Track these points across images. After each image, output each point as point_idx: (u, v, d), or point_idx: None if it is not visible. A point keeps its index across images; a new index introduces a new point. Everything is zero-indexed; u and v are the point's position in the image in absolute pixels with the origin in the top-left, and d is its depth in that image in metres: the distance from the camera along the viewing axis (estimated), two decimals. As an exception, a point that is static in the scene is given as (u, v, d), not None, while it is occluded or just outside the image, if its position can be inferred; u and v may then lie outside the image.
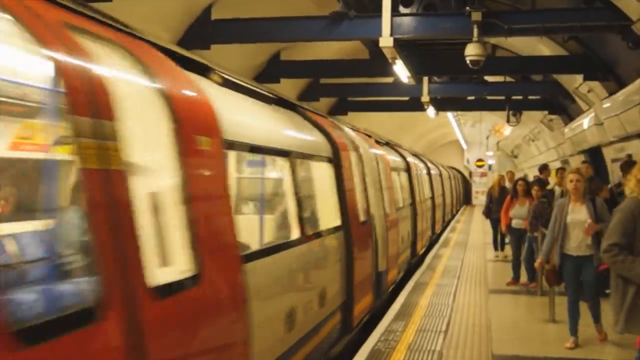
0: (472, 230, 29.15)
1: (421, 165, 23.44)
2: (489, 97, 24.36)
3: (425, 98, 20.56)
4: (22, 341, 2.72)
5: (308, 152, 8.54)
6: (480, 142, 49.04)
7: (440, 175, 30.95)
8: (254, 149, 6.65)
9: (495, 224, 19.01)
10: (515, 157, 46.71)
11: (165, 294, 4.00)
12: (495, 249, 19.61)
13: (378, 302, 12.04)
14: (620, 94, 13.79)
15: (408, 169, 18.80)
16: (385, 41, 11.68)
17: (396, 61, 12.74)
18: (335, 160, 9.51)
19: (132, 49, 4.52)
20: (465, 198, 56.43)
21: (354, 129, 13.31)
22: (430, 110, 22.66)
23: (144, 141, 4.27)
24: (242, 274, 5.25)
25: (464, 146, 53.87)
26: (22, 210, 3.67)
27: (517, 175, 20.47)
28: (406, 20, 12.12)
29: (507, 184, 19.29)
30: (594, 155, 19.13)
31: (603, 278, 10.53)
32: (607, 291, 11.40)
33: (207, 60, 6.33)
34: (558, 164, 25.79)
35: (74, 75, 3.53)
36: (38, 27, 3.45)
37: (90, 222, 3.47)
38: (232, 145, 5.68)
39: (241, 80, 7.21)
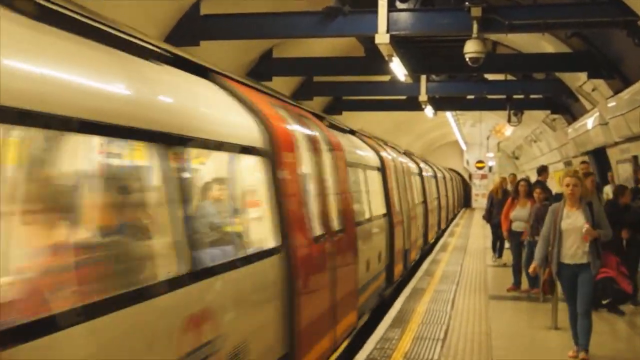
0: (472, 235, 29.18)
1: (429, 169, 28.39)
2: (489, 96, 24.34)
3: (423, 97, 20.54)
4: (315, 241, 8.03)
5: (370, 164, 14.02)
6: (481, 142, 49.06)
7: (444, 178, 36.35)
8: (352, 164, 11.82)
9: (495, 229, 18.97)
10: (517, 158, 46.71)
11: (334, 234, 9.06)
12: (495, 253, 19.67)
13: (405, 271, 17.28)
14: (626, 93, 13.80)
15: (420, 173, 23.40)
16: (381, 38, 11.66)
17: (393, 59, 12.72)
18: (382, 169, 15.03)
19: (311, 117, 9.90)
20: (465, 201, 56.51)
21: (385, 143, 18.78)
22: (428, 110, 22.65)
23: (325, 165, 9.33)
24: (355, 231, 10.57)
25: (464, 147, 53.91)
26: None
27: (519, 178, 20.44)
28: (403, 16, 12.09)
29: (510, 187, 19.19)
30: (599, 156, 19.13)
31: (601, 288, 10.43)
32: (604, 302, 11.36)
33: (196, 56, 6.51)
34: (561, 166, 25.82)
35: (314, 136, 9.17)
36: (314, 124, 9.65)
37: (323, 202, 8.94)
38: (348, 164, 10.98)
39: (333, 121, 12.88)
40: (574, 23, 12.13)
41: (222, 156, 6.43)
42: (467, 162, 55.40)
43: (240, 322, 5.90)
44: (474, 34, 11.87)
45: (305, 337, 7.49)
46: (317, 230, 8.28)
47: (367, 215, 12.75)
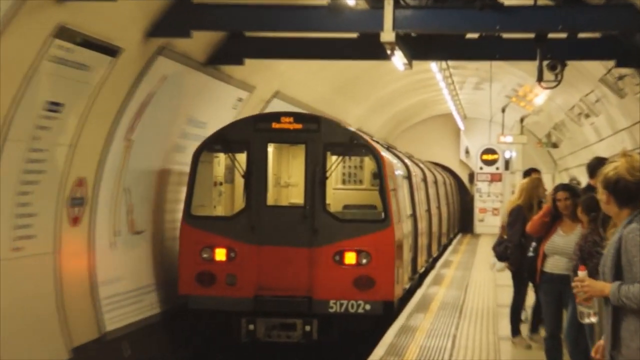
0: (473, 283, 29.54)
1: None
2: (505, 36, 24.32)
3: (387, 35, 20.31)
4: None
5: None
6: (491, 118, 49.44)
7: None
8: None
9: (531, 279, 17.46)
10: (555, 146, 46.91)
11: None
12: (516, 332, 19.34)
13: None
14: None
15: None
16: None
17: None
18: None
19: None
20: (463, 221, 56.49)
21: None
22: (398, 59, 22.52)
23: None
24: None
25: (461, 125, 54.32)
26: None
27: (559, 181, 20.41)
28: None
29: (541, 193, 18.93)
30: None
31: None
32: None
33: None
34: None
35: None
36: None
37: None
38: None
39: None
40: None
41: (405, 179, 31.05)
42: (467, 152, 55.83)
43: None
44: None
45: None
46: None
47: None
